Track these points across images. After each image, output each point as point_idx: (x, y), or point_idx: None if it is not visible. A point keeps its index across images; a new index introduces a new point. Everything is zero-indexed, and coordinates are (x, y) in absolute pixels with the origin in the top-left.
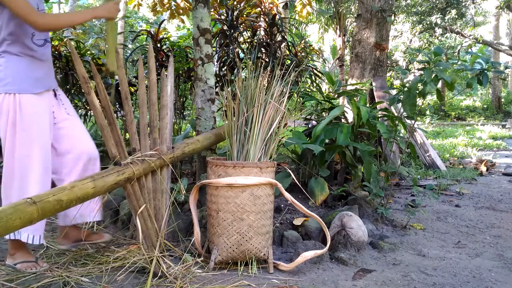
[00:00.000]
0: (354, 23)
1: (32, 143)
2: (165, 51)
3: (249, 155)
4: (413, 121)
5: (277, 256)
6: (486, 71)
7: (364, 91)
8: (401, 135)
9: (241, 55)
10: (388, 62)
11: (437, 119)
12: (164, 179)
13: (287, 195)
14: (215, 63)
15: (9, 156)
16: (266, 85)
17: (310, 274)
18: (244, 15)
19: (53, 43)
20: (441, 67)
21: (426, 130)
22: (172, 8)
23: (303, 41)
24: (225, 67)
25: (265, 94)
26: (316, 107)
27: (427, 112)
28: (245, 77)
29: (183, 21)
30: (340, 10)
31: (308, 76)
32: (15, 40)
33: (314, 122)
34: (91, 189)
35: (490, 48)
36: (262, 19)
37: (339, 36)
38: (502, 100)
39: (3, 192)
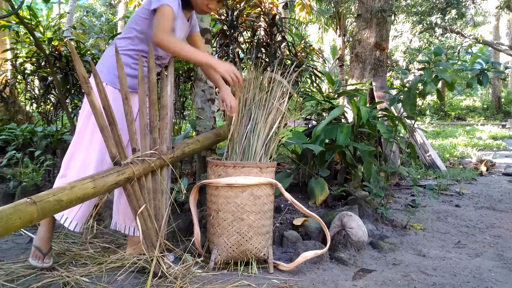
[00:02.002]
0: (354, 23)
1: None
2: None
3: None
4: (413, 121)
5: (277, 256)
6: (486, 71)
7: (364, 91)
8: (401, 135)
9: (241, 55)
10: (388, 62)
11: (437, 119)
12: (164, 179)
13: (287, 195)
14: None
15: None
16: (266, 85)
17: (310, 274)
18: (244, 15)
19: (53, 43)
20: (441, 67)
21: (426, 130)
22: None
23: (303, 41)
24: None
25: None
26: (316, 107)
27: (427, 112)
28: (245, 77)
29: None
30: (340, 10)
31: (308, 76)
32: (141, 42)
33: (314, 122)
34: (91, 189)
35: (490, 48)
36: (262, 19)
37: (339, 36)
38: (502, 100)
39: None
